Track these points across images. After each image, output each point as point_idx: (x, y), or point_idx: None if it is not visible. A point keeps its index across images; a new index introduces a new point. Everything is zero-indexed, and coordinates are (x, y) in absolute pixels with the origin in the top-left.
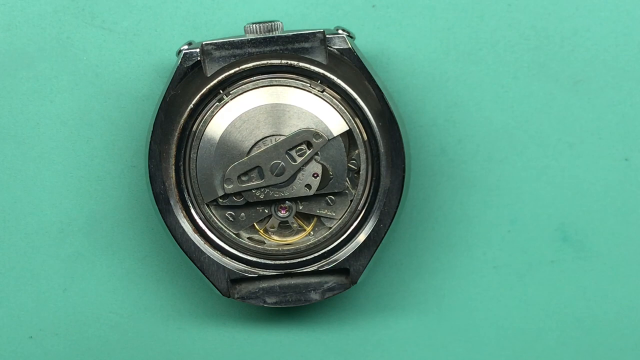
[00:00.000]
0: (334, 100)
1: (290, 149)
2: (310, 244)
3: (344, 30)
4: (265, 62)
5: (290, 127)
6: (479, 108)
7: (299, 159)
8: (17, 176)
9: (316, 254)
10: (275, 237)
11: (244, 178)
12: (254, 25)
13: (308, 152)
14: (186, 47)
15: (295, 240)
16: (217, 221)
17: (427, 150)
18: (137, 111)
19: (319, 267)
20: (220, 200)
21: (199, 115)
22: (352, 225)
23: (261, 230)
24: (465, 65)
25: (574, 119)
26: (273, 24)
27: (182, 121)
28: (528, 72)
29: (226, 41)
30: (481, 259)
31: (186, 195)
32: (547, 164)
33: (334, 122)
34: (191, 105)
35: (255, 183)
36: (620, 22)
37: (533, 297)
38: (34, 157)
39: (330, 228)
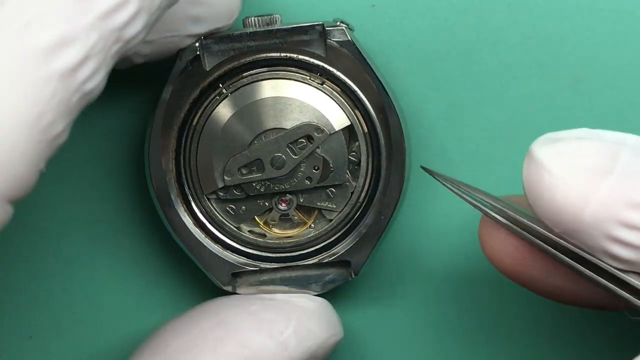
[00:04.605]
0: (334, 92)
1: (291, 143)
2: (311, 236)
3: (342, 22)
4: (264, 55)
5: (292, 121)
6: (479, 108)
7: (300, 153)
8: None
9: (317, 247)
10: (276, 230)
11: (244, 171)
12: (252, 19)
13: (309, 145)
14: None
15: (296, 233)
16: (218, 215)
17: (427, 150)
18: (137, 106)
19: (320, 260)
20: (221, 193)
21: (199, 109)
22: (353, 217)
23: (262, 223)
24: (465, 65)
25: (574, 119)
26: (272, 17)
27: (182, 115)
28: (528, 72)
29: (225, 35)
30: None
31: (186, 189)
32: None
33: (335, 116)
34: (191, 100)
35: (255, 176)
36: (620, 22)
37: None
38: None
39: (330, 220)
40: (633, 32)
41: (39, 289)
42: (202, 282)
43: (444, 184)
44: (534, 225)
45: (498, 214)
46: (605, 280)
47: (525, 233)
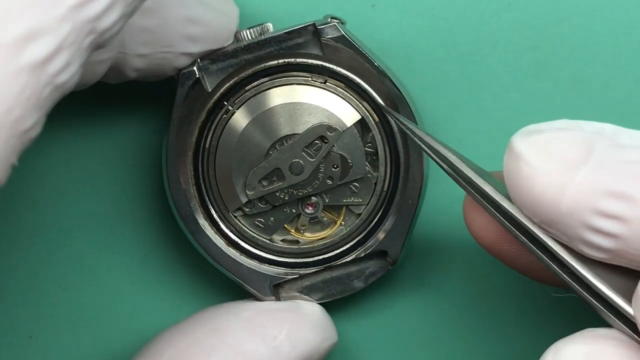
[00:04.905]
0: (338, 89)
1: (306, 146)
2: (344, 234)
3: (334, 18)
4: (263, 65)
5: (304, 125)
6: (479, 108)
7: (317, 155)
8: (17, 176)
9: (352, 243)
10: (308, 234)
11: (265, 182)
12: (245, 32)
13: (324, 146)
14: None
15: (328, 233)
16: (248, 230)
17: None
18: (137, 107)
19: (357, 255)
20: (247, 209)
21: (209, 131)
22: (381, 207)
23: (293, 230)
24: (465, 65)
25: (573, 119)
26: (263, 26)
27: (193, 140)
28: (528, 72)
29: (220, 53)
30: None
31: (213, 212)
32: None
33: (345, 112)
34: (199, 123)
35: (277, 185)
36: (620, 22)
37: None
38: (34, 156)
39: (360, 214)
40: (633, 32)
41: (39, 289)
42: (204, 283)
43: (416, 140)
44: (499, 201)
45: (471, 188)
46: (542, 253)
47: (487, 205)
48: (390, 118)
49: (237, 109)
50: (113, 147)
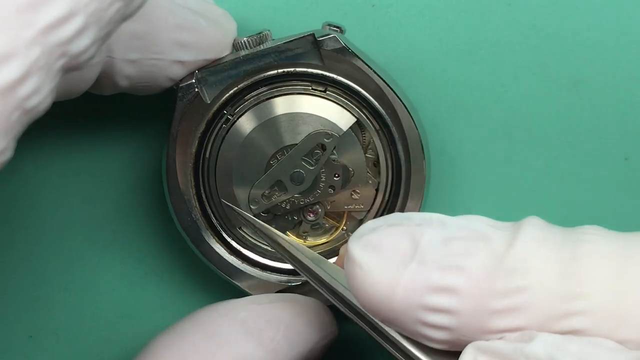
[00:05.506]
0: (338, 97)
1: (306, 155)
2: (346, 238)
3: (332, 26)
4: (262, 75)
5: (301, 134)
6: (479, 108)
7: (316, 163)
8: (18, 177)
9: None
10: (311, 240)
11: (267, 193)
12: (243, 40)
13: (323, 153)
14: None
15: (330, 238)
16: (250, 239)
17: (427, 150)
18: (137, 112)
19: None
20: None
21: (208, 142)
22: (382, 212)
23: (295, 237)
24: (465, 65)
25: (574, 119)
26: (261, 35)
27: (193, 151)
28: (528, 72)
29: (219, 64)
30: None
31: (214, 221)
32: (547, 164)
33: (341, 118)
34: (199, 134)
35: (280, 197)
36: (620, 22)
37: None
38: (34, 156)
39: (362, 220)
40: (633, 32)
41: (39, 289)
42: (203, 283)
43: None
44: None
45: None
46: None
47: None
48: (231, 210)
49: (237, 119)
50: (113, 150)
